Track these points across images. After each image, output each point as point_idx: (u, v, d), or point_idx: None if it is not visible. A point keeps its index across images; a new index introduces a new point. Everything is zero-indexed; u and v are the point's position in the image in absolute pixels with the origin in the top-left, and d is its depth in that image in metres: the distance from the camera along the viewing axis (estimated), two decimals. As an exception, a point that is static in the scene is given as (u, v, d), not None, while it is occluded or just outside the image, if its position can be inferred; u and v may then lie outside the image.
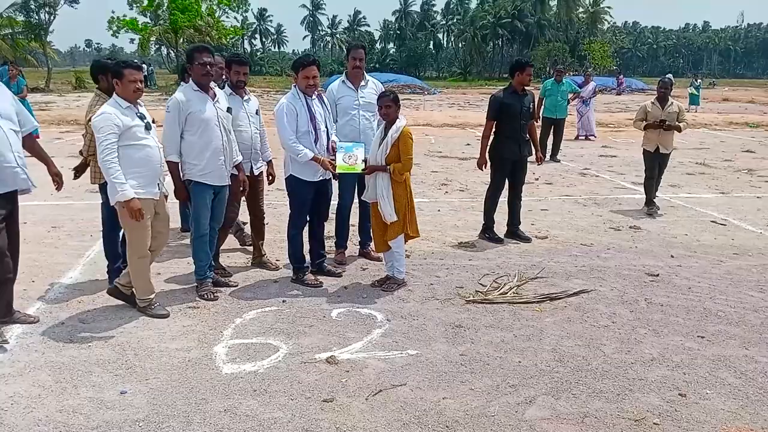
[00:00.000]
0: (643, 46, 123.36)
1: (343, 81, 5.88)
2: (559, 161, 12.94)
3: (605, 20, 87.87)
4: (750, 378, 3.88)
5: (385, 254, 5.46)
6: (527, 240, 6.90)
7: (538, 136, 13.24)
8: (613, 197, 9.42)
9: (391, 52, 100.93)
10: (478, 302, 5.05)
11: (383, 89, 5.72)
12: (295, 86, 5.28)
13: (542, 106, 13.22)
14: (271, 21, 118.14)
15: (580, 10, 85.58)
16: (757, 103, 34.90)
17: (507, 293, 5.25)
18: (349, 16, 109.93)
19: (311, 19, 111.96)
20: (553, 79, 13.73)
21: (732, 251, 6.63)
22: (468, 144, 15.28)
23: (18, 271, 4.54)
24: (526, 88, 6.72)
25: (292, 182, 5.35)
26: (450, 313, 4.84)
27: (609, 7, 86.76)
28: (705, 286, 5.53)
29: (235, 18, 50.13)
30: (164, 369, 3.86)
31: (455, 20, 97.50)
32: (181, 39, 45.28)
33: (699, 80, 31.41)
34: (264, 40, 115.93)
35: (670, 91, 8.23)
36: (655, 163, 8.28)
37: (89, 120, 4.70)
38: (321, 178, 5.35)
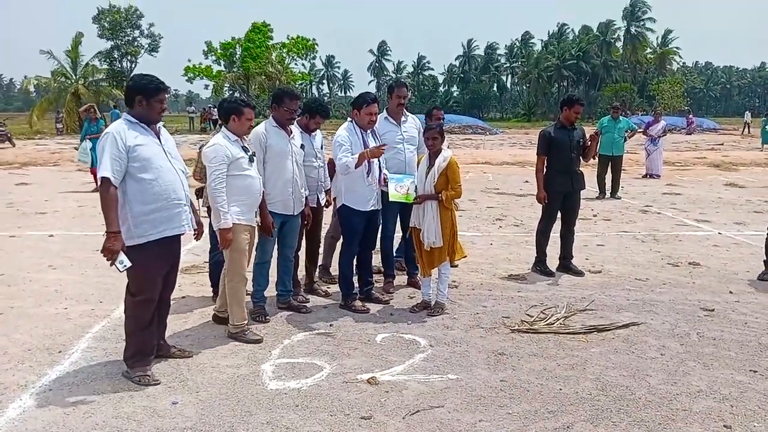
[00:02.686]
0: (716, 86, 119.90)
1: (386, 117, 6.11)
2: (619, 198, 12.74)
3: (674, 60, 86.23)
4: (804, 413, 3.73)
5: (424, 280, 5.60)
6: (579, 274, 6.83)
7: (596, 173, 13.12)
8: (674, 234, 9.19)
9: (454, 94, 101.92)
10: (523, 332, 5.05)
11: (420, 124, 6.08)
12: (350, 121, 5.57)
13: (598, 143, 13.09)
14: (338, 67, 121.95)
15: (648, 51, 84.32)
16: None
17: (553, 324, 5.23)
18: (414, 61, 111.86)
19: (377, 64, 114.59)
20: (609, 116, 13.62)
21: (797, 288, 6.36)
22: (526, 181, 15.23)
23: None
24: (575, 123, 6.78)
25: (345, 212, 5.57)
26: (494, 341, 4.86)
27: (678, 48, 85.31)
28: (763, 321, 5.33)
29: (303, 65, 52.11)
30: (214, 383, 4.07)
31: (519, 63, 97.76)
32: (253, 85, 47.46)
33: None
34: (331, 85, 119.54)
35: None
36: None
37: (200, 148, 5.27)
38: (372, 208, 5.55)
